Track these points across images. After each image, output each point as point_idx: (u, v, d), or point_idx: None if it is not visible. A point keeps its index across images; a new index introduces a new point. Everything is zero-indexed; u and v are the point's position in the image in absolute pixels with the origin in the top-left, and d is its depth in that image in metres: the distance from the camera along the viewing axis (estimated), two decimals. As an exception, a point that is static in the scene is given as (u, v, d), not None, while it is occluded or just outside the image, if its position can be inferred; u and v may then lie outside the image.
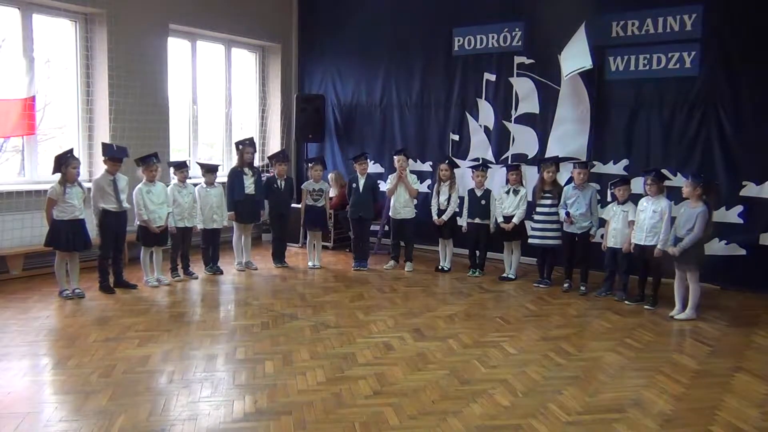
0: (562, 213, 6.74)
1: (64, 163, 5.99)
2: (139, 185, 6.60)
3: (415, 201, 7.83)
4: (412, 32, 8.87)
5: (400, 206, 7.70)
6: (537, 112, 8.01)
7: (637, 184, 6.80)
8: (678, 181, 6.72)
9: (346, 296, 6.53)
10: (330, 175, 8.75)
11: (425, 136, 8.92)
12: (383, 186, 8.26)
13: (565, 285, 6.88)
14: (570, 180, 7.03)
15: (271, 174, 7.93)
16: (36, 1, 7.12)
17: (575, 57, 7.23)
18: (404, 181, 7.67)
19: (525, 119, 8.11)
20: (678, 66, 7.05)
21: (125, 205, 6.41)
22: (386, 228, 8.48)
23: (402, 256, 7.89)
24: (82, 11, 7.55)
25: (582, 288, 6.74)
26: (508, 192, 7.25)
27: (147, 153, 6.83)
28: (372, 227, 8.30)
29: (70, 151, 6.16)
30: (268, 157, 8.90)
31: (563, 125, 7.81)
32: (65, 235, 5.99)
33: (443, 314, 5.91)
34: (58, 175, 6.03)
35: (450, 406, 3.90)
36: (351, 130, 9.65)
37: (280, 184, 7.76)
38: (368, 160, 8.04)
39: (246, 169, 7.51)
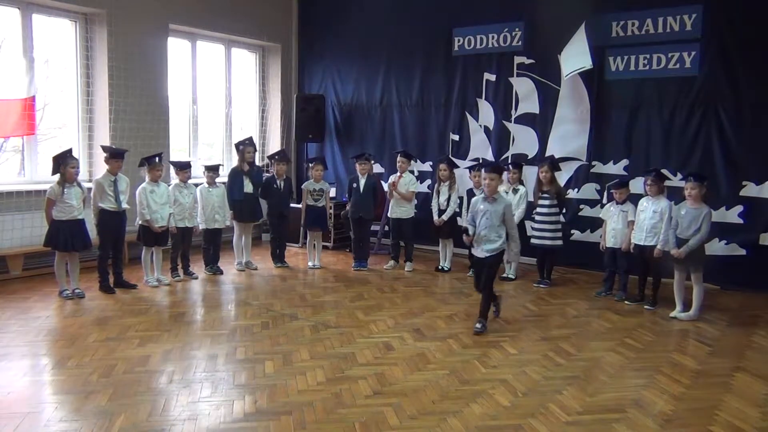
0: (470, 230, 5.44)
1: (63, 163, 6.00)
2: (143, 184, 6.61)
3: (414, 201, 7.84)
4: (412, 32, 8.87)
5: (398, 206, 7.71)
6: (537, 112, 8.01)
7: (637, 184, 6.80)
8: (678, 181, 6.73)
9: (346, 296, 6.53)
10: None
11: (425, 136, 8.93)
12: (383, 186, 8.25)
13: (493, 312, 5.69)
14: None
15: (271, 174, 7.93)
16: (36, 1, 7.12)
17: (575, 57, 7.23)
18: (398, 192, 7.66)
19: (525, 119, 8.11)
20: (678, 66, 7.06)
21: (124, 205, 6.41)
22: (386, 228, 8.48)
23: (402, 256, 7.89)
24: (82, 11, 7.56)
25: (477, 325, 5.36)
26: (507, 192, 7.25)
27: (147, 153, 6.86)
28: (372, 227, 8.29)
29: (69, 151, 6.16)
30: (268, 157, 8.89)
31: (563, 125, 7.81)
32: (63, 235, 5.99)
33: (443, 314, 5.91)
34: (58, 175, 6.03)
35: (450, 406, 3.90)
36: (351, 130, 9.64)
37: (280, 184, 7.76)
38: (370, 161, 8.01)
39: (245, 169, 7.51)
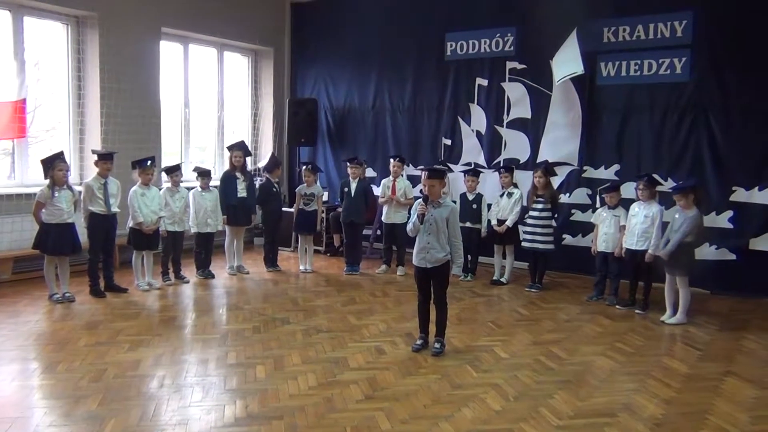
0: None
1: (51, 166, 5.98)
2: (134, 187, 6.59)
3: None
4: (404, 37, 8.88)
5: (393, 211, 7.71)
6: (529, 117, 8.04)
7: (628, 189, 6.83)
8: (669, 185, 6.76)
9: (338, 300, 6.52)
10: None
11: (417, 141, 8.93)
12: (376, 191, 8.25)
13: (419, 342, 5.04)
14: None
15: (265, 178, 7.91)
16: (27, 4, 7.09)
17: (567, 62, 7.27)
18: (397, 201, 7.67)
19: (517, 124, 8.14)
20: (669, 72, 7.10)
21: (114, 209, 6.38)
22: (378, 232, 8.47)
23: (394, 261, 7.89)
24: (73, 14, 7.53)
25: (437, 345, 4.94)
26: (502, 195, 7.27)
27: (139, 156, 6.82)
28: (365, 231, 8.28)
29: (58, 154, 6.13)
30: (262, 167, 8.85)
31: (555, 130, 7.84)
32: (52, 239, 5.96)
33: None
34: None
35: (442, 410, 3.90)
36: (343, 134, 9.64)
37: (278, 189, 7.75)
38: (362, 166, 8.00)
39: (238, 173, 7.50)
